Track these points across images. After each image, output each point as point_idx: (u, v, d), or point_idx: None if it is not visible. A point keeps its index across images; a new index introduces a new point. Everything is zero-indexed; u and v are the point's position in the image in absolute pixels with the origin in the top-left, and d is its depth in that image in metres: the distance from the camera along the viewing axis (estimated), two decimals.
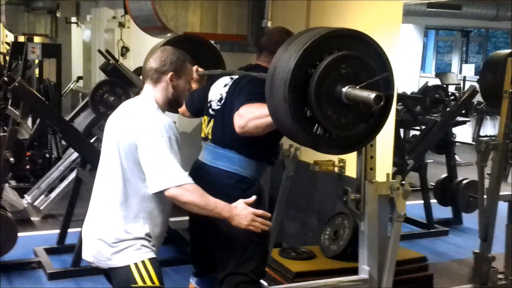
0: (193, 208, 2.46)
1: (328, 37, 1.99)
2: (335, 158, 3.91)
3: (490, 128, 11.01)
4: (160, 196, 2.49)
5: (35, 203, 5.91)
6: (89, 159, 4.80)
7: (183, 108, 3.08)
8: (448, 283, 4.50)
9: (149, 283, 2.49)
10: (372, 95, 1.93)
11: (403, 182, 2.82)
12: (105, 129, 2.69)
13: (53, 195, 5.93)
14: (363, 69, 2.03)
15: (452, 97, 7.35)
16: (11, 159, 4.64)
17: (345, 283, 2.58)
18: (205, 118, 2.91)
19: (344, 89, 1.99)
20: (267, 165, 2.88)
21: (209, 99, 2.92)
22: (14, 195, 5.75)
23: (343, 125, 2.03)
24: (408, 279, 4.16)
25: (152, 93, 2.61)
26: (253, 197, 2.55)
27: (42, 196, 5.97)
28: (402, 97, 6.70)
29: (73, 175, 5.56)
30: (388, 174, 2.88)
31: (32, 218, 5.85)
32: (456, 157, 6.72)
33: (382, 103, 1.95)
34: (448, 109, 6.44)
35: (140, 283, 2.48)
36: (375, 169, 3.02)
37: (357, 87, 2.00)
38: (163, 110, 2.61)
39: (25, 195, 6.02)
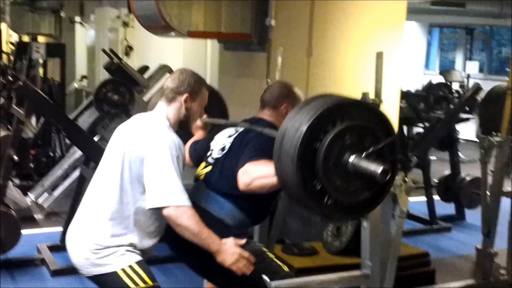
0: (186, 233, 2.47)
1: (330, 111, 2.01)
2: None
3: None
4: (157, 211, 2.51)
5: (39, 201, 5.94)
6: (93, 157, 4.81)
7: (186, 158, 3.05)
8: (450, 278, 4.50)
9: (142, 284, 2.49)
10: (379, 169, 1.94)
11: (406, 178, 2.82)
12: (112, 138, 2.72)
13: (56, 193, 5.95)
14: (367, 135, 2.04)
15: (456, 95, 7.33)
16: (15, 157, 4.67)
17: (348, 278, 2.58)
18: (202, 164, 2.90)
19: (350, 159, 2.00)
20: (251, 222, 2.83)
21: (211, 147, 2.92)
22: (17, 193, 5.77)
23: (352, 193, 2.05)
24: (411, 274, 4.17)
25: (165, 111, 2.65)
26: (244, 240, 2.58)
27: (46, 194, 6.00)
28: (406, 95, 6.70)
29: (76, 173, 5.59)
30: None
31: (35, 216, 5.87)
32: (460, 154, 6.71)
33: (388, 176, 1.96)
34: (451, 107, 6.44)
35: (132, 286, 2.48)
36: None
37: (363, 155, 2.00)
38: (173, 129, 2.65)
39: (29, 193, 6.05)
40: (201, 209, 2.67)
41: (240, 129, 2.85)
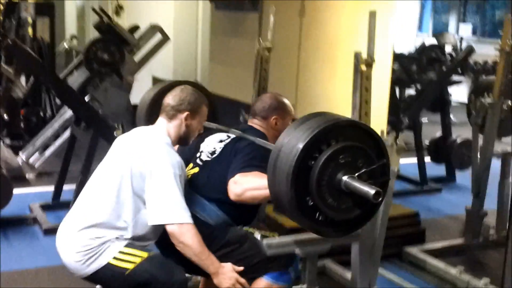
0: (187, 251, 2.50)
1: (327, 130, 2.03)
2: None
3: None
4: (157, 227, 2.54)
5: (30, 161, 5.91)
6: (83, 117, 4.79)
7: None
8: (440, 238, 4.56)
9: (138, 260, 2.51)
10: (372, 192, 1.97)
11: (397, 139, 2.82)
12: (112, 148, 2.76)
13: (47, 152, 5.92)
14: (360, 156, 2.07)
15: (449, 57, 7.30)
16: (5, 116, 4.63)
17: None
18: (190, 165, 2.89)
19: (344, 178, 2.03)
20: (233, 225, 2.79)
21: (200, 149, 2.92)
22: (8, 153, 5.75)
23: (343, 210, 2.08)
24: (401, 234, 4.22)
25: (165, 127, 2.69)
26: (241, 268, 2.58)
27: (37, 154, 5.97)
28: (398, 57, 6.67)
29: (67, 132, 5.56)
30: (382, 131, 2.88)
31: (27, 176, 5.86)
32: (451, 116, 6.72)
33: (380, 199, 1.98)
34: (444, 68, 6.42)
35: (130, 266, 2.50)
36: (370, 125, 3.03)
37: (356, 175, 2.04)
38: (173, 145, 2.70)
39: (20, 153, 6.02)
40: None
41: (232, 136, 2.86)
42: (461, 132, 6.47)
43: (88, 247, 2.51)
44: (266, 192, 2.32)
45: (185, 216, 2.48)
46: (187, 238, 2.47)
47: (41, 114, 6.85)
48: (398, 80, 6.53)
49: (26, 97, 6.70)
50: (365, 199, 2.04)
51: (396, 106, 5.86)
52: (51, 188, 5.05)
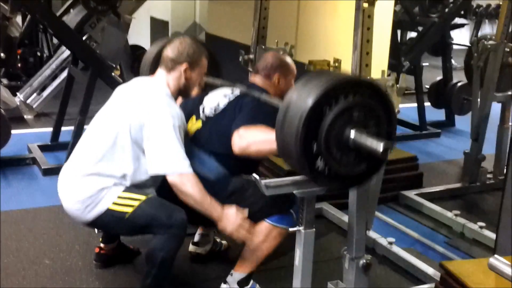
0: (189, 200, 2.51)
1: (336, 87, 2.01)
2: (330, 58, 3.87)
3: (488, 32, 10.87)
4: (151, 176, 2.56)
5: (28, 101, 5.90)
6: (81, 57, 4.73)
7: None
8: (438, 182, 4.58)
9: (137, 203, 2.53)
10: (380, 147, 1.95)
11: (398, 80, 2.79)
12: (111, 99, 2.75)
13: (45, 93, 5.91)
14: (368, 113, 2.06)
15: None
16: (2, 54, 4.58)
17: None
18: (193, 117, 2.89)
19: (352, 134, 2.03)
20: (230, 178, 2.79)
21: (203, 103, 2.91)
22: (6, 93, 5.71)
23: (350, 164, 2.09)
24: (399, 177, 4.23)
25: (165, 79, 2.69)
26: (246, 210, 2.60)
27: (35, 95, 5.95)
28: None
29: (65, 73, 5.52)
30: (383, 71, 2.85)
31: (25, 116, 5.85)
32: (452, 60, 6.65)
33: (388, 153, 1.97)
34: (446, 10, 6.31)
35: (130, 210, 2.52)
36: (371, 65, 2.99)
37: (364, 131, 2.04)
38: (173, 97, 2.68)
39: (18, 93, 5.99)
40: None
41: (237, 92, 2.86)
42: (462, 77, 6.42)
43: (88, 194, 2.53)
44: (271, 146, 2.35)
45: (185, 166, 2.50)
46: (188, 188, 2.49)
47: (38, 54, 6.79)
48: (400, 22, 6.43)
49: (23, 37, 6.62)
50: (372, 155, 2.04)
51: (397, 49, 5.79)
52: (49, 129, 5.04)
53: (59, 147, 4.83)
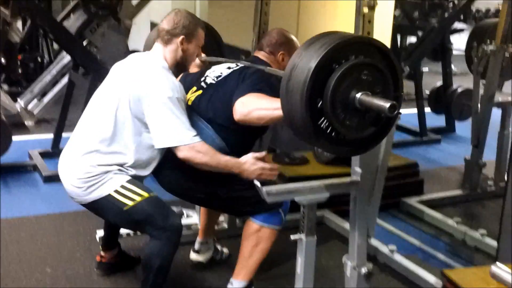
0: (205, 168, 2.54)
1: (339, 47, 2.00)
2: None
3: None
4: (155, 149, 2.56)
5: (28, 107, 5.90)
6: (82, 62, 4.74)
7: None
8: (438, 189, 4.57)
9: (138, 198, 2.52)
10: (387, 104, 1.95)
11: None
12: (108, 76, 2.74)
13: (46, 99, 5.90)
14: (380, 82, 2.05)
15: (451, 3, 7.20)
16: (2, 60, 4.58)
17: (338, 185, 2.60)
18: (194, 88, 2.86)
19: (358, 95, 2.01)
20: (227, 153, 2.73)
21: (205, 74, 2.89)
22: (7, 99, 5.71)
23: (357, 128, 2.08)
24: (400, 184, 4.23)
25: (161, 52, 2.66)
26: (264, 153, 2.63)
27: (35, 100, 5.95)
28: (400, 2, 6.56)
29: (65, 79, 5.52)
30: None
31: (25, 122, 5.84)
32: (452, 66, 6.66)
33: (395, 112, 1.97)
34: (446, 15, 6.33)
35: (130, 203, 2.51)
36: None
37: (370, 92, 2.03)
38: (171, 70, 2.66)
39: (18, 99, 5.99)
40: None
41: (241, 64, 2.83)
42: (462, 82, 6.42)
43: (90, 174, 2.52)
44: (273, 113, 2.40)
45: (190, 136, 2.50)
46: (201, 158, 2.50)
47: (39, 59, 6.79)
48: (400, 26, 6.45)
49: (23, 42, 6.63)
50: (379, 116, 2.05)
51: (397, 54, 5.80)
52: (50, 136, 5.03)
53: (60, 154, 4.81)
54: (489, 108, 4.17)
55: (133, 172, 2.58)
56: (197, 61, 2.88)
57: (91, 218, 3.64)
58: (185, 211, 3.60)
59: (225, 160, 2.55)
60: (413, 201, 4.18)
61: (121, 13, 5.12)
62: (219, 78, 2.80)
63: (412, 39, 7.81)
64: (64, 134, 4.96)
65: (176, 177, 2.71)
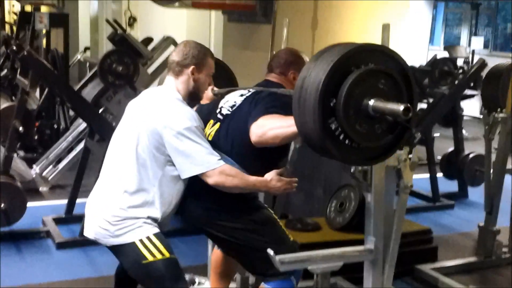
0: (235, 191, 2.60)
1: (354, 53, 2.04)
2: None
3: None
4: (178, 182, 2.58)
5: (43, 174, 5.96)
6: (98, 129, 4.82)
7: None
8: (452, 255, 4.53)
9: (159, 256, 2.53)
10: (401, 106, 1.98)
11: (410, 154, 2.82)
12: (124, 115, 2.77)
13: (61, 165, 5.97)
14: (392, 88, 2.08)
15: (461, 70, 7.30)
16: (20, 128, 4.66)
17: (351, 253, 2.60)
18: (211, 121, 2.89)
19: (371, 101, 2.04)
20: (264, 208, 2.84)
21: (219, 105, 2.91)
22: (22, 165, 5.79)
23: (372, 137, 2.10)
24: (413, 251, 4.19)
25: (174, 85, 2.70)
26: (283, 169, 2.69)
27: (50, 167, 6.01)
28: (411, 69, 6.66)
29: (81, 145, 5.59)
30: None
31: (40, 188, 5.89)
32: (463, 131, 6.69)
33: (410, 114, 1.99)
34: (456, 82, 6.40)
35: (150, 258, 2.52)
36: None
37: (383, 99, 2.07)
38: (185, 101, 2.69)
39: (34, 165, 6.06)
40: None
41: (253, 90, 2.84)
42: (474, 147, 6.44)
43: (120, 218, 2.54)
44: (287, 130, 2.43)
45: (216, 159, 2.53)
46: (231, 182, 2.54)
47: (55, 126, 6.89)
48: None
49: (40, 109, 6.76)
50: (394, 123, 2.06)
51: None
52: (64, 201, 5.06)
53: (74, 220, 4.83)
54: (501, 175, 4.18)
55: (158, 213, 2.57)
56: (209, 93, 2.91)
57: (103, 284, 3.64)
58: (197, 279, 3.59)
59: (253, 181, 2.60)
60: (427, 268, 4.13)
61: (137, 81, 5.23)
62: (234, 108, 2.81)
63: (423, 105, 7.88)
64: (78, 200, 4.99)
65: (201, 207, 2.71)
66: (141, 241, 2.53)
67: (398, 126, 2.11)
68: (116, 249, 2.62)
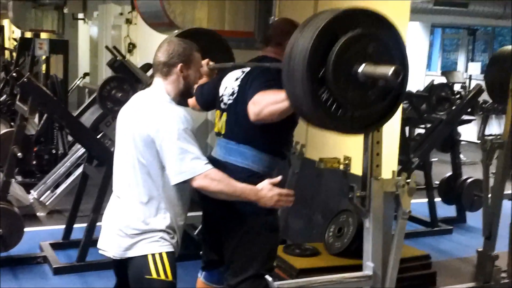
0: (221, 196, 2.52)
1: (350, 14, 1.98)
2: (340, 155, 3.93)
3: (495, 127, 10.99)
4: (180, 186, 2.52)
5: (41, 199, 5.92)
6: (96, 154, 4.83)
7: (193, 102, 3.08)
8: (451, 281, 4.51)
9: (163, 276, 2.51)
10: (391, 69, 1.91)
11: (408, 179, 2.83)
12: (117, 123, 2.72)
13: (59, 190, 5.94)
14: (381, 50, 2.03)
15: (458, 96, 7.34)
16: (19, 154, 4.67)
17: (349, 279, 2.59)
18: (218, 112, 2.91)
19: (361, 67, 1.98)
20: (279, 160, 2.86)
21: (220, 93, 2.91)
22: (20, 190, 5.77)
23: (365, 104, 2.03)
24: (412, 276, 4.17)
25: (163, 86, 2.62)
26: (279, 177, 2.59)
27: (48, 192, 5.98)
28: (408, 95, 6.69)
29: (79, 170, 5.59)
30: (393, 171, 2.89)
31: (38, 213, 5.86)
32: (461, 155, 6.71)
33: (400, 77, 1.93)
34: (453, 108, 6.44)
35: (154, 275, 2.50)
36: (381, 166, 3.03)
37: (373, 64, 2.01)
38: (175, 101, 2.62)
39: (31, 191, 6.04)
40: (223, 163, 2.73)
41: (246, 70, 2.82)
42: (472, 172, 6.45)
43: (139, 230, 2.52)
44: (283, 104, 2.38)
45: (202, 165, 2.45)
46: (215, 186, 2.46)
47: (54, 151, 6.90)
48: (408, 119, 6.55)
49: (39, 135, 6.77)
50: (386, 89, 1.99)
51: (406, 146, 5.87)
52: (62, 227, 5.05)
53: (71, 245, 4.83)
54: (499, 200, 4.18)
55: (169, 218, 2.55)
56: (205, 68, 2.87)
57: None
58: None
59: (241, 187, 2.52)
60: None
61: None
62: (234, 95, 2.81)
63: (420, 130, 7.91)
64: (76, 225, 4.99)
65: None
66: (153, 255, 2.51)
67: (391, 91, 2.04)
68: (125, 262, 2.58)
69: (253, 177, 2.68)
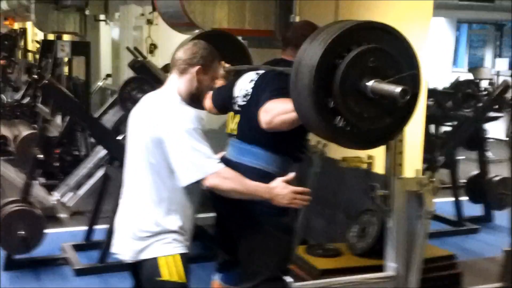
0: (234, 195, 2.48)
1: (358, 29, 1.95)
2: (363, 154, 3.87)
3: None
4: (189, 187, 2.48)
5: (63, 200, 5.96)
6: (117, 156, 4.82)
7: (210, 105, 3.07)
8: (477, 281, 4.41)
9: (175, 278, 2.48)
10: (398, 88, 1.88)
11: (432, 178, 2.76)
12: (128, 124, 2.70)
13: (81, 192, 5.96)
14: (391, 64, 1.98)
15: (485, 92, 7.21)
16: (41, 156, 4.68)
17: (372, 280, 2.54)
18: (231, 114, 2.91)
19: (370, 83, 1.94)
20: (292, 161, 2.83)
21: (234, 95, 2.90)
22: (42, 192, 5.80)
23: (366, 119, 1.99)
24: (436, 277, 4.09)
25: (176, 84, 2.59)
26: (292, 174, 2.55)
27: (70, 193, 6.02)
28: (433, 92, 6.59)
29: (101, 172, 5.59)
30: (417, 170, 2.83)
31: (59, 215, 5.89)
32: (489, 153, 6.58)
33: (407, 97, 1.89)
34: (480, 104, 6.32)
35: (166, 277, 2.47)
36: (404, 164, 2.97)
37: (384, 81, 1.95)
38: (186, 103, 2.58)
39: (54, 192, 6.07)
40: (235, 164, 2.70)
41: (261, 72, 2.80)
42: (499, 170, 6.32)
43: (152, 232, 2.48)
44: (294, 114, 2.33)
45: (214, 164, 2.42)
46: (228, 185, 2.43)
47: (76, 153, 6.93)
48: (433, 116, 6.44)
49: (62, 136, 6.81)
50: (394, 105, 1.95)
51: (431, 144, 5.77)
52: (83, 228, 5.06)
53: (93, 246, 4.82)
54: None
55: (180, 219, 2.51)
56: (221, 71, 2.84)
57: None
58: None
59: (254, 185, 2.49)
60: None
61: None
62: (248, 98, 2.79)
63: (446, 128, 7.79)
64: (97, 227, 4.98)
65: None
66: (165, 257, 2.48)
67: (397, 109, 2.00)
68: (139, 265, 2.56)
69: (266, 178, 2.64)
